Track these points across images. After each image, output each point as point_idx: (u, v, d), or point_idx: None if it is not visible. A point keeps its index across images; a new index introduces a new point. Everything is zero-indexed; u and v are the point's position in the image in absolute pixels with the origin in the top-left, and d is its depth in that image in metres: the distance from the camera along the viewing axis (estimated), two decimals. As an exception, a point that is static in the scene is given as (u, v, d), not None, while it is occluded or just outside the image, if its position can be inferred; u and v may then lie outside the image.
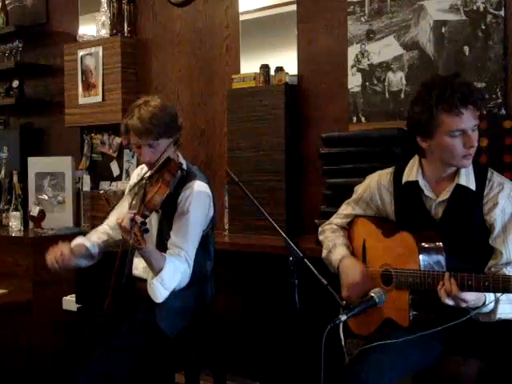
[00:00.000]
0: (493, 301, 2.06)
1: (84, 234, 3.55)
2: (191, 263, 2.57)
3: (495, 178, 2.25)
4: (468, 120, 2.15)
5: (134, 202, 2.57)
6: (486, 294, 2.05)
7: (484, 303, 2.06)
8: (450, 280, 2.03)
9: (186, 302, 2.64)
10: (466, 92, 2.15)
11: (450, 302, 2.04)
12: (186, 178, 2.66)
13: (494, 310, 2.08)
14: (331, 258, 2.44)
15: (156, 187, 2.49)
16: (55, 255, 2.65)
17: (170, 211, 2.62)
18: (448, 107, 2.15)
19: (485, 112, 2.87)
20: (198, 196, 2.62)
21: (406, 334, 2.15)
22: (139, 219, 2.34)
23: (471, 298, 2.03)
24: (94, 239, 2.80)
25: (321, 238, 2.57)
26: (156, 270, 2.47)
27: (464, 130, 2.16)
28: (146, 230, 2.37)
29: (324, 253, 2.50)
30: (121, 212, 2.74)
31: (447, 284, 2.03)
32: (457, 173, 2.26)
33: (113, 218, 2.78)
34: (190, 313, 2.68)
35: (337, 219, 2.57)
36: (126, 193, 2.90)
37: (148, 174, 2.62)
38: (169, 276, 2.48)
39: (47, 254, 2.69)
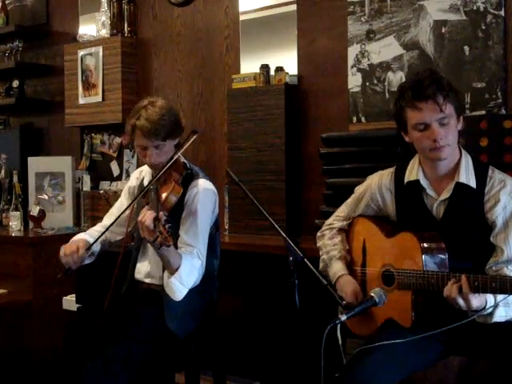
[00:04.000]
0: (492, 305, 2.05)
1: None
2: (204, 260, 2.56)
3: (496, 175, 2.24)
4: (428, 113, 2.16)
5: (140, 204, 2.55)
6: (488, 298, 2.05)
7: (484, 308, 2.05)
8: (467, 282, 2.01)
9: (195, 302, 2.62)
10: (423, 86, 2.15)
11: (460, 302, 2.02)
12: (191, 176, 2.66)
13: (491, 314, 2.08)
14: (328, 273, 2.44)
15: (170, 187, 2.48)
16: (71, 251, 2.57)
17: (176, 210, 2.60)
18: (406, 101, 2.19)
19: (484, 112, 2.87)
20: (205, 194, 2.62)
21: (408, 335, 2.15)
22: (163, 217, 2.30)
23: (476, 303, 2.02)
24: (95, 236, 2.75)
25: (319, 244, 2.56)
26: (174, 268, 2.44)
27: (426, 123, 2.17)
28: (172, 227, 2.35)
29: (321, 265, 2.48)
30: (118, 213, 2.73)
31: (464, 284, 2.01)
32: (456, 171, 2.25)
33: (109, 220, 2.76)
34: (199, 312, 2.68)
35: (336, 221, 2.55)
36: (123, 195, 2.89)
37: (155, 176, 2.58)
38: (186, 273, 2.46)
39: (63, 249, 2.60)
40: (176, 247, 2.56)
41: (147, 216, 2.31)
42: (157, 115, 2.55)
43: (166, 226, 2.29)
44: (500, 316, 2.09)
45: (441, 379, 2.29)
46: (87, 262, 2.72)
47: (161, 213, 2.32)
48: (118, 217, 2.64)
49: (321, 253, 2.51)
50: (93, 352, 2.48)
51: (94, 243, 2.63)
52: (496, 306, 2.05)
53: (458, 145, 2.27)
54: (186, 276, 2.46)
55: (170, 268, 2.46)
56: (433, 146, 2.18)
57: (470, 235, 2.22)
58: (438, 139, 2.16)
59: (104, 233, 2.65)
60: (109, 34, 4.24)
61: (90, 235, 2.74)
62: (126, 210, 2.64)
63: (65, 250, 2.60)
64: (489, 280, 1.98)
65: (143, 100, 2.65)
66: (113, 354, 2.45)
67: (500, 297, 2.04)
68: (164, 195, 2.47)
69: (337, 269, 2.41)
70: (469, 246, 2.22)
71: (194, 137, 2.59)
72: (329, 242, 2.50)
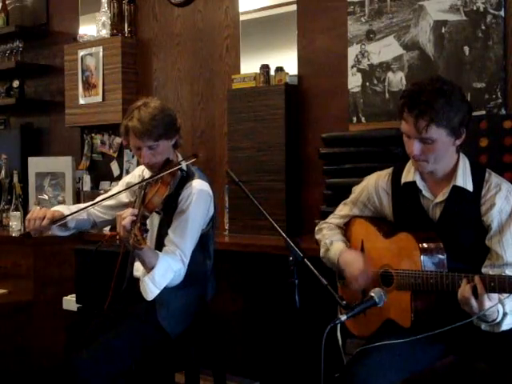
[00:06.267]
0: (501, 314, 2.04)
1: (84, 234, 3.59)
2: (186, 262, 2.56)
3: (493, 178, 2.24)
4: (411, 128, 2.14)
5: (133, 203, 2.57)
6: (499, 308, 2.03)
7: (495, 319, 2.04)
8: (481, 282, 1.99)
9: (187, 302, 2.65)
10: (416, 102, 2.12)
11: (473, 303, 2.00)
12: (187, 177, 2.67)
13: (499, 323, 2.06)
14: (329, 254, 2.44)
15: (155, 188, 2.49)
16: (36, 217, 2.63)
17: (170, 212, 2.62)
18: (400, 107, 2.19)
19: (484, 112, 2.87)
20: (199, 195, 2.62)
21: (407, 335, 2.15)
22: (139, 220, 2.34)
23: (488, 305, 2.00)
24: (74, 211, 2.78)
25: (318, 236, 2.57)
26: (148, 267, 2.47)
27: (408, 135, 2.18)
28: (146, 230, 2.37)
29: (322, 251, 2.49)
30: (113, 204, 2.77)
31: (479, 286, 1.99)
32: (454, 174, 2.25)
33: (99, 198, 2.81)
34: (192, 312, 2.69)
35: (333, 219, 2.56)
36: (119, 184, 2.91)
37: (148, 176, 2.61)
38: (160, 274, 2.47)
39: (30, 212, 2.67)
40: (163, 245, 2.58)
41: (126, 216, 2.35)
42: (149, 116, 2.56)
43: (142, 229, 2.31)
44: (508, 324, 2.07)
45: (441, 379, 2.29)
46: (60, 234, 2.78)
47: (138, 217, 2.35)
48: (102, 200, 2.73)
49: (321, 243, 2.51)
50: (86, 345, 2.52)
51: (61, 221, 2.67)
52: (504, 314, 2.04)
53: (457, 148, 2.26)
54: (159, 277, 2.47)
55: (145, 266, 2.49)
56: (411, 155, 2.21)
57: (466, 237, 2.22)
58: (413, 155, 2.19)
59: (78, 212, 2.70)
60: (109, 34, 4.24)
61: (69, 210, 2.76)
62: (107, 197, 2.72)
63: (31, 213, 2.65)
64: (507, 280, 1.95)
65: (138, 101, 2.66)
66: (103, 347, 2.48)
67: (508, 306, 2.04)
68: (149, 196, 2.48)
69: (338, 247, 2.41)
70: (465, 248, 2.21)
71: (193, 159, 2.66)
72: (329, 233, 2.51)
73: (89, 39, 4.34)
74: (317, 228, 2.60)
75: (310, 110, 3.48)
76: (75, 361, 2.46)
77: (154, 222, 2.70)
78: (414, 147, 2.17)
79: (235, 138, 3.58)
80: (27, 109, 4.93)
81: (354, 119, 3.31)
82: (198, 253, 2.64)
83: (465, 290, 2.01)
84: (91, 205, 2.74)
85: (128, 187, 2.72)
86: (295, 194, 3.48)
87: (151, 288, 2.48)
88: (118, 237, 2.55)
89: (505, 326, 2.07)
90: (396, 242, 2.28)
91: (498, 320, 2.04)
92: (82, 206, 2.84)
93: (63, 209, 2.75)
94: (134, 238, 2.28)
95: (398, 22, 3.16)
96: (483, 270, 2.16)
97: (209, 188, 2.69)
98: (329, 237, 2.49)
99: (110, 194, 2.84)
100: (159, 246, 2.63)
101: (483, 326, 2.09)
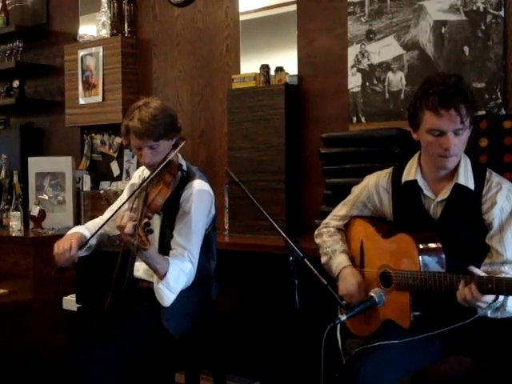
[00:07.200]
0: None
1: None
2: (195, 262, 2.57)
3: (494, 177, 2.25)
4: (447, 122, 2.14)
5: (134, 206, 2.56)
6: None
7: (495, 299, 2.02)
8: (474, 286, 1.99)
9: (191, 303, 2.64)
10: (449, 94, 2.13)
11: (475, 304, 2.00)
12: (187, 178, 2.67)
13: (502, 305, 2.06)
14: (332, 265, 2.44)
15: (157, 189, 2.49)
16: (64, 249, 2.56)
17: (172, 212, 2.62)
18: (429, 105, 2.16)
19: (484, 112, 2.87)
20: (200, 195, 2.62)
21: (407, 335, 2.15)
22: (143, 221, 2.33)
23: (490, 298, 2.00)
24: (92, 231, 2.76)
25: (318, 241, 2.56)
26: (161, 274, 2.46)
27: (442, 131, 2.15)
28: (151, 231, 2.35)
29: (324, 259, 2.48)
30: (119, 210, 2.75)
31: (473, 290, 1.99)
32: (455, 172, 2.26)
33: (108, 214, 2.78)
34: (196, 313, 2.68)
35: (333, 221, 2.56)
36: (125, 191, 2.90)
37: (149, 176, 2.61)
38: (174, 279, 2.47)
39: (56, 246, 2.59)
40: (169, 248, 2.57)
41: (126, 219, 2.33)
42: (149, 116, 2.55)
43: (146, 230, 2.30)
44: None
45: (441, 379, 2.29)
46: (83, 254, 2.73)
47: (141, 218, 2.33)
48: (115, 213, 2.65)
49: (322, 249, 2.51)
50: (88, 348, 2.50)
51: (88, 240, 2.63)
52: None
53: None
54: (173, 282, 2.47)
55: (157, 273, 2.48)
56: (443, 153, 2.18)
57: (467, 236, 2.22)
58: (451, 149, 2.16)
59: (99, 230, 2.65)
60: (109, 34, 4.24)
61: (87, 229, 2.72)
62: (121, 207, 2.65)
63: (57, 247, 2.59)
64: (504, 281, 1.94)
65: (139, 101, 2.66)
66: (106, 349, 2.46)
67: None
68: (151, 197, 2.48)
69: (341, 260, 2.41)
70: (465, 246, 2.22)
71: (182, 143, 2.64)
72: (329, 239, 2.50)
73: (89, 39, 4.34)
74: (316, 232, 2.60)
75: (310, 110, 3.48)
76: (76, 362, 2.44)
77: (155, 222, 2.69)
78: (452, 141, 2.15)
79: (235, 138, 3.58)
80: (27, 109, 4.93)
81: (354, 119, 3.31)
82: (202, 254, 2.64)
83: (464, 292, 2.01)
84: (108, 219, 2.69)
85: (132, 193, 2.68)
86: (295, 193, 3.48)
87: (167, 294, 2.48)
88: (123, 242, 2.51)
89: (510, 307, 2.06)
90: (395, 243, 2.28)
91: (500, 302, 2.03)
92: (98, 220, 2.80)
93: (79, 229, 2.71)
94: (139, 239, 2.26)
95: (398, 22, 3.16)
96: (482, 268, 2.15)
97: (209, 188, 2.69)
98: (330, 245, 2.48)
99: (120, 202, 2.82)
100: (162, 246, 2.63)
101: (489, 313, 2.08)
